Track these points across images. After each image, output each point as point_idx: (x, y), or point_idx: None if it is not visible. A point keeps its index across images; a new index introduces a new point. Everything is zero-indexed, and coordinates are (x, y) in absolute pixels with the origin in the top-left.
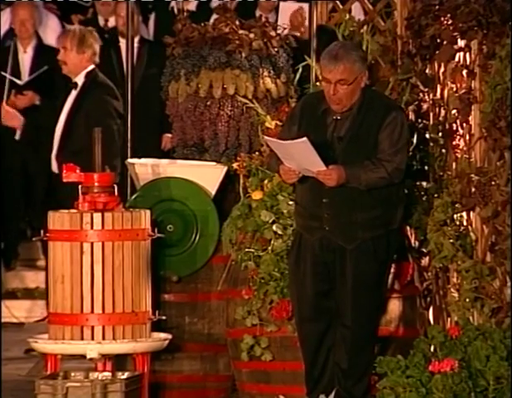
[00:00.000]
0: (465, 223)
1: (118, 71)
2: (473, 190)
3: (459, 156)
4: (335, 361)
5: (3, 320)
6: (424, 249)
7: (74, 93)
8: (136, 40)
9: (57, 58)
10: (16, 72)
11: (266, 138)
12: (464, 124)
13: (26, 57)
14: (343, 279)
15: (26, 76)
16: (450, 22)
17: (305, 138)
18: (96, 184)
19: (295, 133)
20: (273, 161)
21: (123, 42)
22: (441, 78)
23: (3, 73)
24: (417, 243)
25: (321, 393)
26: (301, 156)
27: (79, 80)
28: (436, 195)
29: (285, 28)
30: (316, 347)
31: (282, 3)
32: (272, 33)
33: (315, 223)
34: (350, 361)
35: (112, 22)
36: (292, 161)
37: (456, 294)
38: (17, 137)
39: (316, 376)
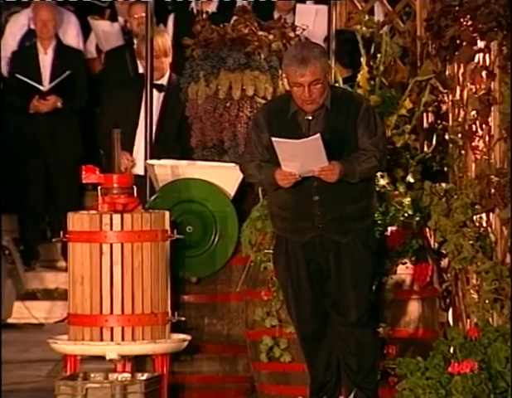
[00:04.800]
0: (484, 224)
1: (132, 73)
2: (493, 191)
3: (478, 157)
4: (345, 362)
5: (23, 321)
6: (443, 251)
7: (157, 94)
8: None
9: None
10: (37, 73)
11: (274, 138)
12: (483, 125)
13: (46, 58)
14: (340, 274)
15: (47, 78)
16: (469, 23)
17: (318, 135)
18: (115, 185)
19: (267, 140)
20: (255, 170)
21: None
22: (461, 79)
23: (26, 79)
24: (436, 244)
25: (339, 396)
26: (308, 155)
27: (164, 81)
28: (455, 196)
29: (304, 29)
30: (318, 349)
31: (299, 5)
32: (291, 34)
33: (305, 223)
34: (361, 357)
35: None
36: (295, 162)
37: (475, 296)
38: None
39: (319, 378)
